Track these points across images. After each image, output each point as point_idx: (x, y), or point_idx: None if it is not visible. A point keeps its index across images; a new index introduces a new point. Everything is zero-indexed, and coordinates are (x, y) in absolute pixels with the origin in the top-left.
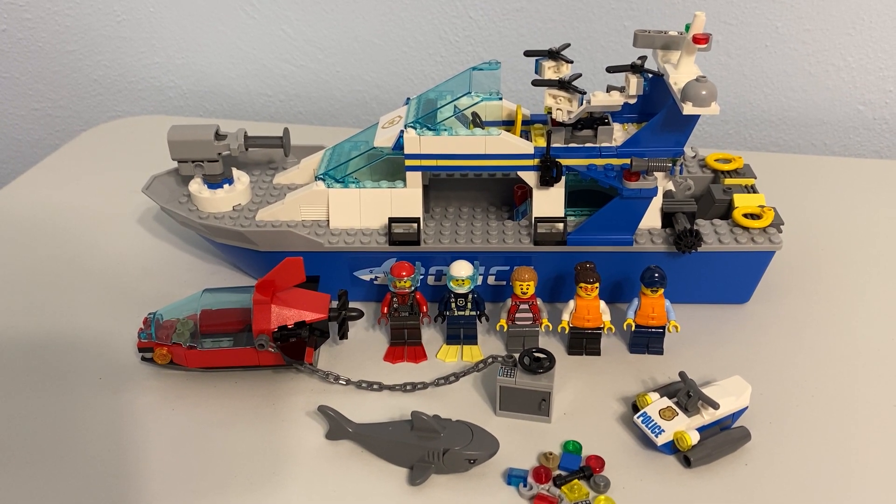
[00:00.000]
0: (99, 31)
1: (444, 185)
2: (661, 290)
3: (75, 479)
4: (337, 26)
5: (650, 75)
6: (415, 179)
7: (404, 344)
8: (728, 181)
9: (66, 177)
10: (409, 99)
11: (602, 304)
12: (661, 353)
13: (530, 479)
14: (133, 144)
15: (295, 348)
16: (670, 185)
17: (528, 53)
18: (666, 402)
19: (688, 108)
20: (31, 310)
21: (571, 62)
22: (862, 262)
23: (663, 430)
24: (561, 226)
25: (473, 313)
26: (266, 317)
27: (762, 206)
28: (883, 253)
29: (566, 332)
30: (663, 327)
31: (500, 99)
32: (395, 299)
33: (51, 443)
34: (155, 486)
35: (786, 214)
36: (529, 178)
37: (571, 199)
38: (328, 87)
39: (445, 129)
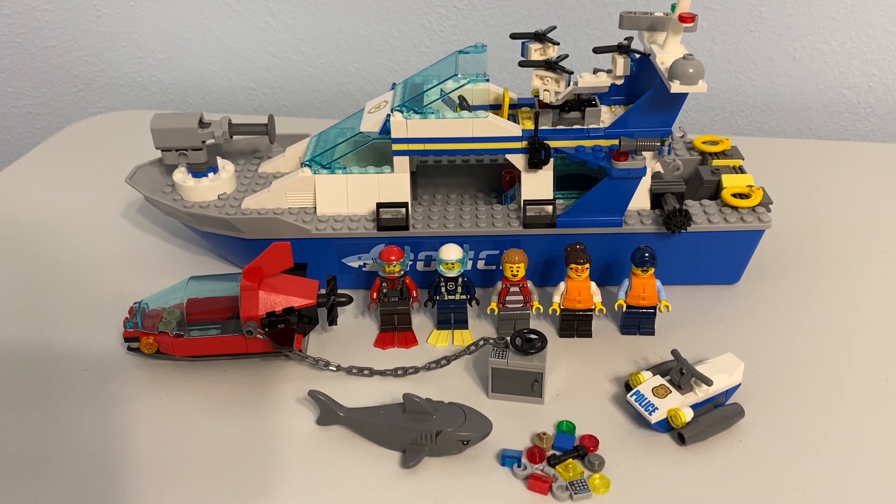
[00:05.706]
0: (79, 25)
1: (431, 171)
2: (652, 270)
3: (62, 469)
4: (321, 18)
5: (637, 55)
6: (402, 164)
7: (394, 330)
8: (716, 162)
9: (47, 173)
10: (394, 84)
11: (593, 285)
12: (652, 333)
13: (524, 460)
14: (115, 140)
15: (283, 335)
16: (658, 167)
17: (514, 36)
18: (659, 380)
19: (675, 87)
20: (15, 302)
21: (558, 44)
22: (849, 242)
23: (657, 408)
24: (550, 208)
25: (464, 297)
26: (254, 303)
27: (751, 186)
28: (869, 232)
29: (557, 314)
30: (654, 307)
31: (487, 81)
32: (384, 284)
33: (36, 434)
34: (144, 477)
35: (773, 198)
36: (518, 160)
37: (560, 184)
38: (312, 79)
39: (432, 113)
